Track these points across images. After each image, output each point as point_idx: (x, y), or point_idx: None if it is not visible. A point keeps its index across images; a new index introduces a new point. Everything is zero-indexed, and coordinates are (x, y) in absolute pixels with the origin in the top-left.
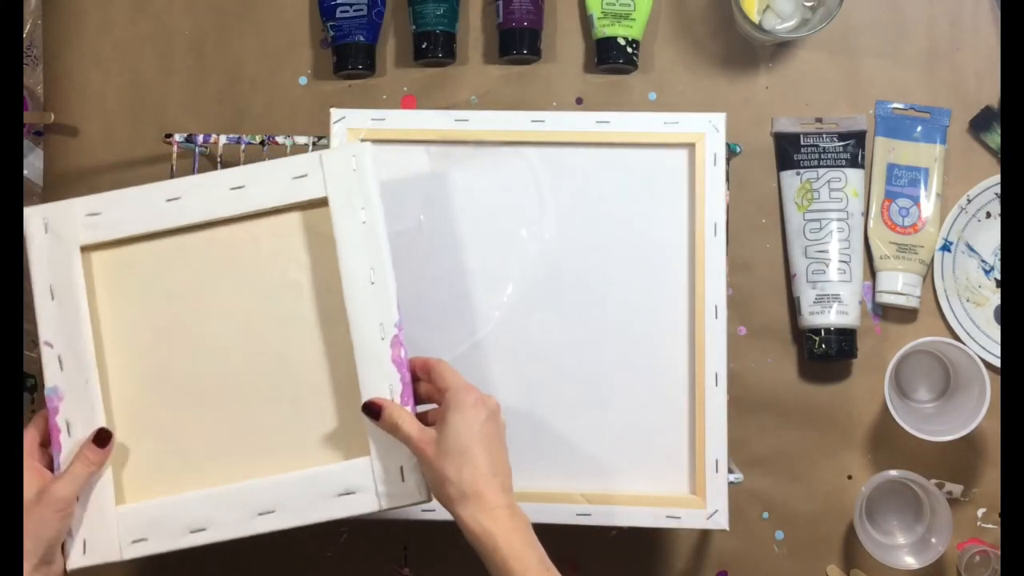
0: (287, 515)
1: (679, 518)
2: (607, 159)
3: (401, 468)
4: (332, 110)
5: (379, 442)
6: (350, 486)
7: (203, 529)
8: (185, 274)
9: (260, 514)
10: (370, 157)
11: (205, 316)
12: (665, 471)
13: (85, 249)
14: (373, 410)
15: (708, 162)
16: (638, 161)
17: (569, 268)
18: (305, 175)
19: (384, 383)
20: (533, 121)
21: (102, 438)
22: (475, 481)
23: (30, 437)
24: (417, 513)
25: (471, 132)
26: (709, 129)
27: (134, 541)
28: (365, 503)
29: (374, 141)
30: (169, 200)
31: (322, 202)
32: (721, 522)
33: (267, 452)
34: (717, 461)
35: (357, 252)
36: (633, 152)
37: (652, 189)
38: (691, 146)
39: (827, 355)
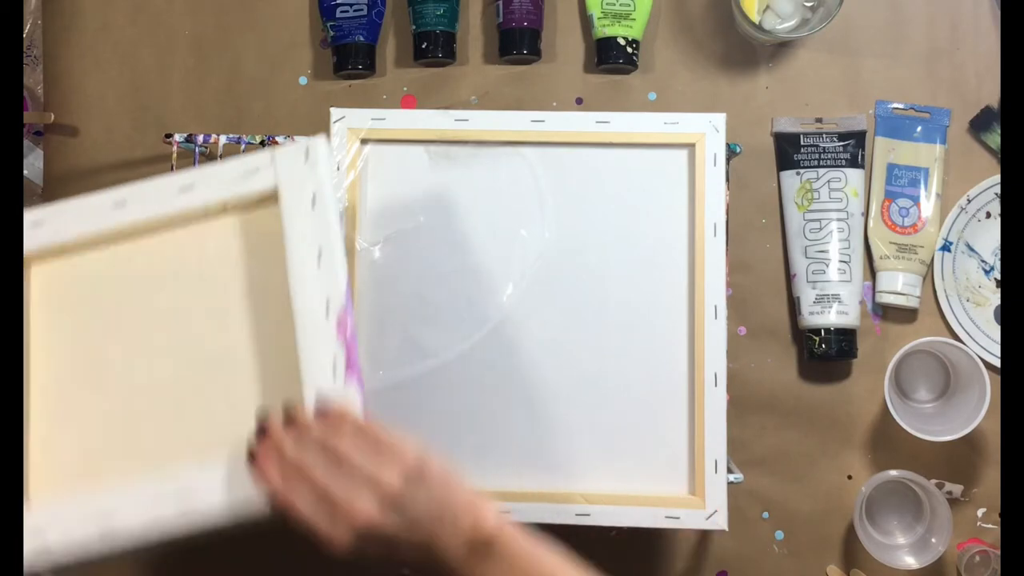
0: None
1: (678, 518)
2: (607, 159)
3: None
4: (332, 110)
5: None
6: None
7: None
8: (127, 281)
9: None
10: (324, 148)
11: (143, 319)
12: (664, 471)
13: (27, 260)
14: None
15: (708, 162)
16: (638, 161)
17: (569, 268)
18: (257, 170)
19: (328, 357)
20: (533, 121)
21: None
22: None
23: None
24: None
25: (471, 132)
26: (709, 129)
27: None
28: None
29: (374, 141)
30: (115, 206)
31: (273, 196)
32: (720, 522)
33: (201, 449)
34: (716, 461)
35: (304, 234)
36: (633, 152)
37: (652, 189)
38: (691, 146)
39: (827, 355)
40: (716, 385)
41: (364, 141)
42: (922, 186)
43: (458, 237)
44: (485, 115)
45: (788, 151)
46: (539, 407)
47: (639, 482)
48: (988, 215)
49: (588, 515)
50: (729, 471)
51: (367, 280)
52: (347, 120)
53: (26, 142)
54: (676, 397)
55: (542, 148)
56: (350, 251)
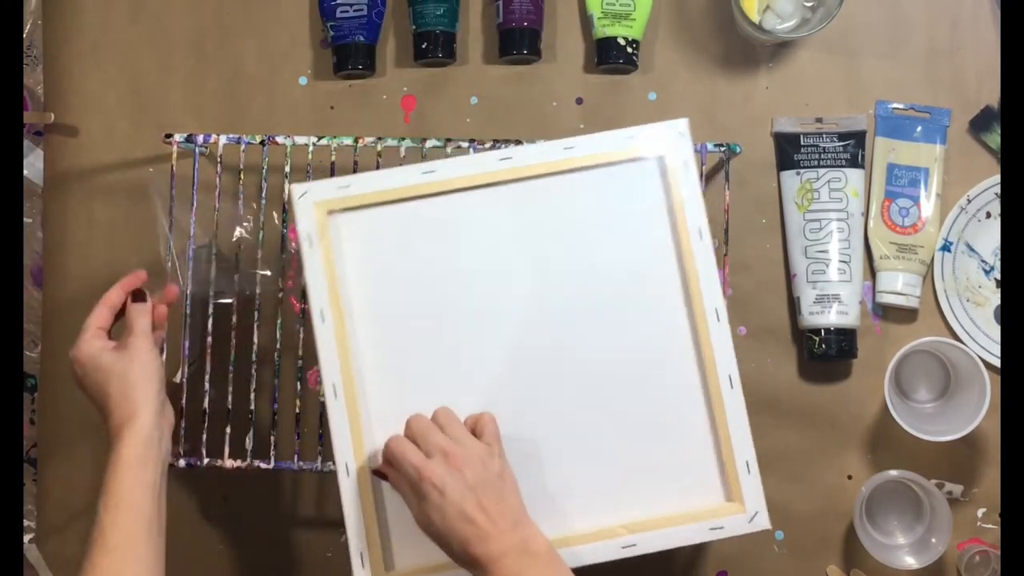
0: None
1: (722, 527)
2: (581, 184)
3: None
4: (293, 187)
5: None
6: None
7: None
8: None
9: None
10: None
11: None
12: (697, 484)
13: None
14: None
15: (680, 169)
16: (611, 180)
17: (563, 299)
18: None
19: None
20: (501, 160)
21: (139, 296)
22: None
23: (97, 321)
24: None
25: (440, 183)
26: (675, 136)
27: None
28: None
29: (343, 210)
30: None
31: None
32: (764, 523)
33: None
34: (748, 462)
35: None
36: (605, 172)
37: (631, 205)
38: (660, 156)
39: (827, 355)
40: (732, 387)
41: (331, 212)
42: (922, 186)
43: (448, 287)
44: (451, 163)
45: (788, 151)
46: (558, 450)
47: (675, 500)
48: (988, 215)
49: (634, 545)
50: None
51: (363, 343)
52: (311, 194)
53: (26, 142)
54: (693, 407)
55: (515, 185)
56: (338, 320)
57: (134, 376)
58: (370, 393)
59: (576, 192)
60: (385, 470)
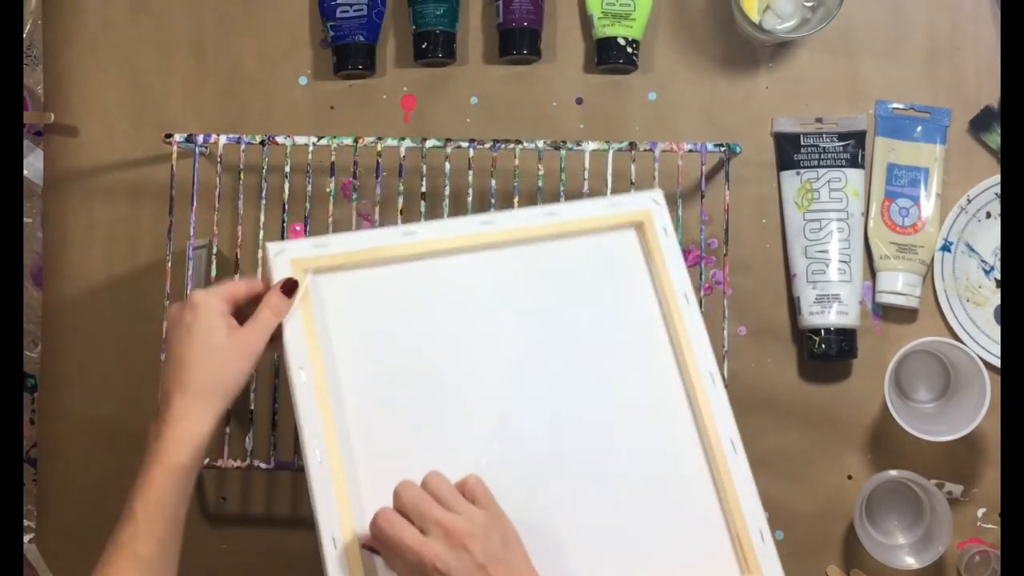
0: None
1: None
2: (564, 249)
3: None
4: (268, 244)
5: None
6: None
7: None
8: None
9: None
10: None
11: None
12: (709, 556)
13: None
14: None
15: (660, 235)
16: (593, 247)
17: (551, 365)
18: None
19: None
20: (482, 224)
21: (289, 287)
22: None
23: (229, 290)
24: None
25: (421, 244)
26: (652, 205)
27: None
28: None
29: (321, 271)
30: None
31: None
32: None
33: None
34: (761, 531)
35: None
36: (587, 239)
37: (614, 271)
38: (639, 224)
39: (827, 355)
40: (736, 452)
41: (308, 271)
42: (922, 186)
43: (435, 351)
44: (433, 225)
45: (788, 151)
46: (556, 522)
47: (688, 574)
48: (988, 215)
49: None
50: None
51: (347, 405)
52: (288, 252)
53: (26, 142)
54: (697, 477)
55: (496, 251)
56: (320, 381)
57: (229, 377)
58: (357, 457)
59: (559, 257)
60: (377, 547)
